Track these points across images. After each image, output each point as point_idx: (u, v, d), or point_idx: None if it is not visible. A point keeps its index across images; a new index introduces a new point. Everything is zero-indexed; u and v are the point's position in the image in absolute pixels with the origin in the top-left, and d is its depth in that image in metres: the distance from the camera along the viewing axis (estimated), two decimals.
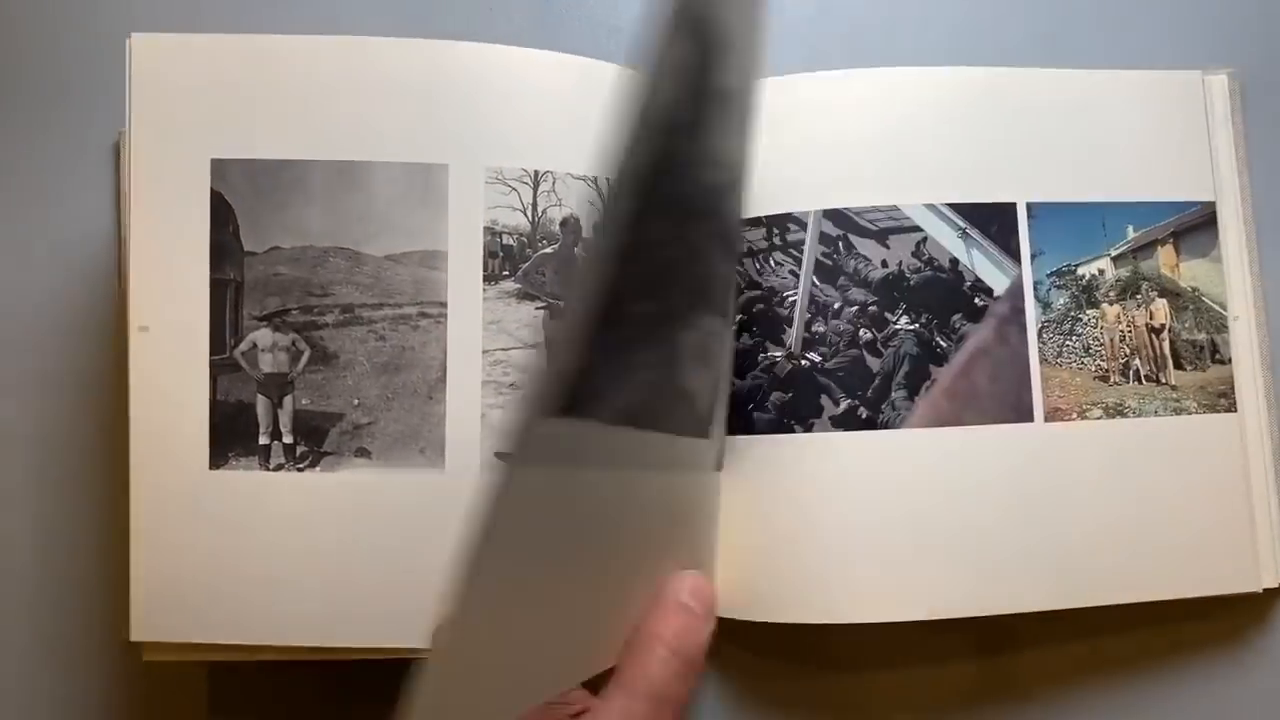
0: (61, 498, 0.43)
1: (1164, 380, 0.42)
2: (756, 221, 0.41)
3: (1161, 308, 0.42)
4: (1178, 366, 0.42)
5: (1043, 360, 0.41)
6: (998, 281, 0.41)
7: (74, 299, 0.44)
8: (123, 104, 0.39)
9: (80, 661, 0.42)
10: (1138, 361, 0.42)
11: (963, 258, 0.41)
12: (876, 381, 0.40)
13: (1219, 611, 0.42)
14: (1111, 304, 0.42)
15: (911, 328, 0.41)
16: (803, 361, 0.41)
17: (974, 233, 0.41)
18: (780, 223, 0.41)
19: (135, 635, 0.38)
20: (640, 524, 0.32)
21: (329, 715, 0.42)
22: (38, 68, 0.45)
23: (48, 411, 0.43)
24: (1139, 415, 0.41)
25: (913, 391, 0.40)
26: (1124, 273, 0.42)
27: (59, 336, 0.44)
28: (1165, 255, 0.43)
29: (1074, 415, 0.41)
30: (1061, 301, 0.41)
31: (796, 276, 0.41)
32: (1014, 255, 0.41)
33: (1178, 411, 0.42)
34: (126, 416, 0.39)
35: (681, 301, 0.30)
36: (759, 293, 0.41)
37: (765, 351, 0.41)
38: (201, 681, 0.42)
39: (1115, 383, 0.41)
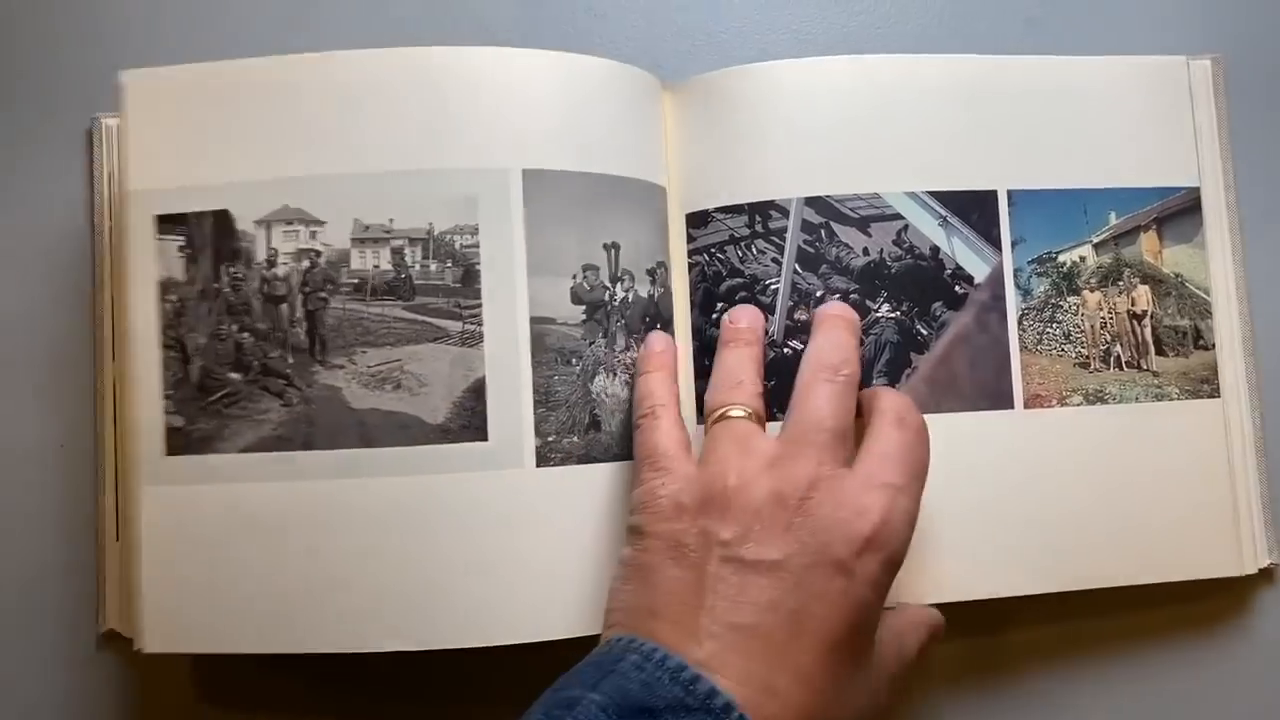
0: (37, 493, 0.43)
1: (1145, 366, 0.42)
2: (738, 209, 0.41)
3: (1143, 294, 0.42)
4: (1159, 353, 0.42)
5: (1023, 347, 0.41)
6: (978, 269, 0.41)
7: (47, 287, 0.43)
8: (97, 87, 0.40)
9: (62, 652, 0.43)
10: (1119, 348, 0.42)
11: (944, 245, 0.41)
12: None
13: (1203, 595, 0.43)
14: (1093, 290, 0.42)
15: (892, 315, 0.41)
16: (785, 350, 0.41)
17: (954, 220, 0.41)
18: (762, 210, 0.41)
19: None
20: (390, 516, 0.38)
21: (319, 702, 0.43)
22: (9, 50, 0.45)
23: (16, 400, 0.43)
24: (1120, 401, 0.41)
25: (893, 379, 0.40)
26: (1106, 259, 0.42)
27: (32, 323, 0.43)
28: (1148, 241, 0.43)
29: (1054, 402, 0.41)
30: (1042, 289, 0.41)
31: (779, 264, 0.41)
32: (994, 243, 0.41)
33: (1159, 398, 0.42)
34: (104, 401, 0.39)
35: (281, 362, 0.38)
36: (741, 280, 0.41)
37: None
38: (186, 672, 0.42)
39: (1096, 369, 0.41)
